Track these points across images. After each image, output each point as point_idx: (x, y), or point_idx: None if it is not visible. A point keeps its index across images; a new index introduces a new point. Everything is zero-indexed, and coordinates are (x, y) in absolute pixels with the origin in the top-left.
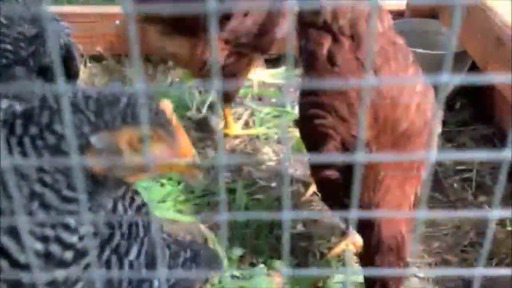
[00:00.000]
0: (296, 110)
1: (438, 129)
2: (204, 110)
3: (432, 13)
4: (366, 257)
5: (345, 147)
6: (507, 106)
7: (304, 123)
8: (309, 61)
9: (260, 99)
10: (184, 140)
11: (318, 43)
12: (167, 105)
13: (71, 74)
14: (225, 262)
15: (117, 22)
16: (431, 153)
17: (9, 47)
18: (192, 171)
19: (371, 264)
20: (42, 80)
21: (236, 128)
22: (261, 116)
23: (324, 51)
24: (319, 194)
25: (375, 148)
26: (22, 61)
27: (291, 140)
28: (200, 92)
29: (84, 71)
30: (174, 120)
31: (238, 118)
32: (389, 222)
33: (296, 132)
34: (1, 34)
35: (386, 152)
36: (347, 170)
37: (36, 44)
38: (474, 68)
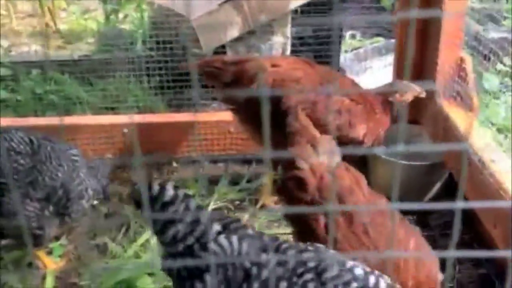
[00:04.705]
0: None
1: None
2: None
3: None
4: None
5: None
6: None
7: None
8: (308, 233)
9: None
10: None
11: (314, 219)
12: None
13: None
14: None
15: (125, 130)
16: None
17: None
18: None
19: None
20: (47, 204)
21: None
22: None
23: (322, 226)
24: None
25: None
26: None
27: None
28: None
29: None
30: None
31: None
32: None
33: None
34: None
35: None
36: None
37: (33, 175)
38: (451, 179)
